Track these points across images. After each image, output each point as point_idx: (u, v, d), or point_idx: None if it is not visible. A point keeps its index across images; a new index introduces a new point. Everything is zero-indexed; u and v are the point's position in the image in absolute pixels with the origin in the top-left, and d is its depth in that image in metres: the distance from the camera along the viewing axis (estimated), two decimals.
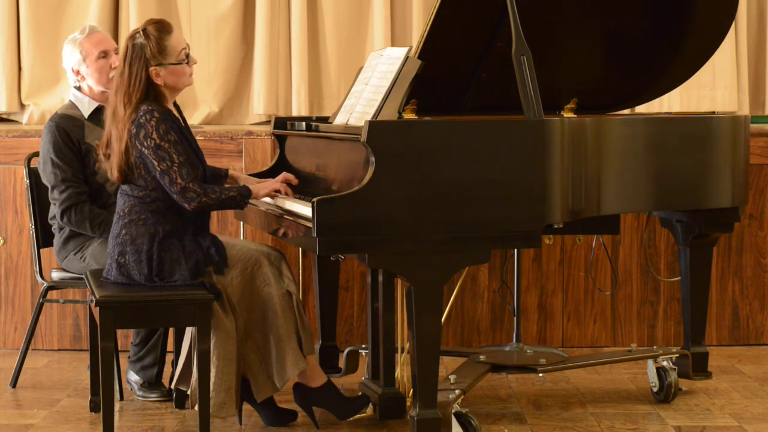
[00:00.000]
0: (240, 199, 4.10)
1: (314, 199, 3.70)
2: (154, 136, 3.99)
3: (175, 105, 4.21)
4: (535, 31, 4.18)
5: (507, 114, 4.40)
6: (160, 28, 4.09)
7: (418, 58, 4.11)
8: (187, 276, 4.04)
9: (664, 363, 4.62)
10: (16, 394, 4.81)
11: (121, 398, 4.67)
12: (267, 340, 4.15)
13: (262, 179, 4.38)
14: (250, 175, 4.58)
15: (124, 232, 4.09)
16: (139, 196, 4.08)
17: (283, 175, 4.26)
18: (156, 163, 4.00)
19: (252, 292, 4.15)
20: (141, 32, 4.08)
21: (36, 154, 4.83)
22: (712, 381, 4.92)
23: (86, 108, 4.70)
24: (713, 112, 5.11)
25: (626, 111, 5.27)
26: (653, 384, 4.65)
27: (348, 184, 3.97)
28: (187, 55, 4.13)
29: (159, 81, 4.06)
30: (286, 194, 4.19)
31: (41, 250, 4.87)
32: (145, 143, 4.00)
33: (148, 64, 4.04)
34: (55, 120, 4.68)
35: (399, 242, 3.74)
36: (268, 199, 4.29)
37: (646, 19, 4.70)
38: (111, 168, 4.10)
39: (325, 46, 6.19)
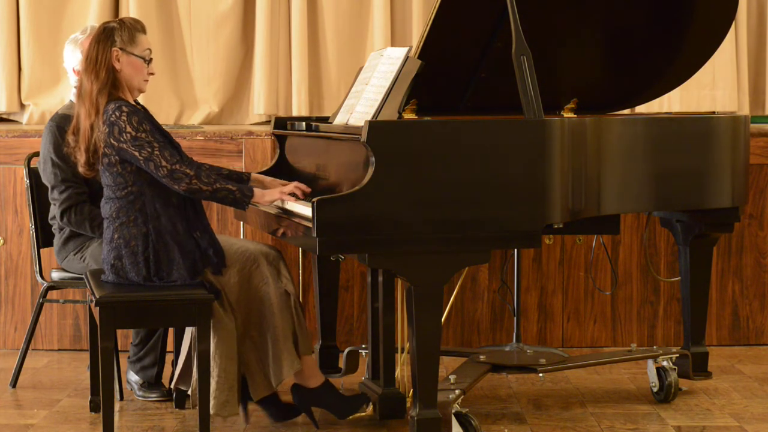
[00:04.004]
0: (240, 196, 4.05)
1: (314, 199, 3.70)
2: (129, 129, 4.00)
3: (140, 105, 4.22)
4: (535, 31, 4.18)
5: (507, 114, 4.40)
6: (136, 21, 4.19)
7: (418, 58, 4.11)
8: (185, 275, 4.04)
9: (664, 363, 4.62)
10: (16, 394, 4.81)
11: (121, 398, 4.67)
12: (264, 339, 4.15)
13: (275, 180, 4.34)
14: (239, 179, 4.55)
15: (116, 236, 4.08)
16: (122, 197, 4.07)
17: (296, 184, 4.16)
18: (137, 154, 3.99)
19: (249, 291, 4.14)
20: (116, 20, 4.17)
21: (36, 154, 4.83)
22: (712, 381, 4.92)
23: None
24: (713, 112, 5.11)
25: (626, 111, 5.27)
26: (653, 384, 4.65)
27: (348, 184, 3.97)
28: (150, 59, 4.16)
29: (117, 65, 4.08)
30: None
31: (41, 250, 4.87)
32: (121, 138, 4.00)
33: (113, 44, 4.08)
34: (56, 120, 4.69)
35: (399, 242, 3.74)
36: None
37: (646, 19, 4.70)
38: (80, 150, 4.10)
39: (325, 46, 6.19)
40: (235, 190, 4.04)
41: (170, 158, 4.00)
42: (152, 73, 4.19)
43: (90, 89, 4.07)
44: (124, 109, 4.02)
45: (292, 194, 4.10)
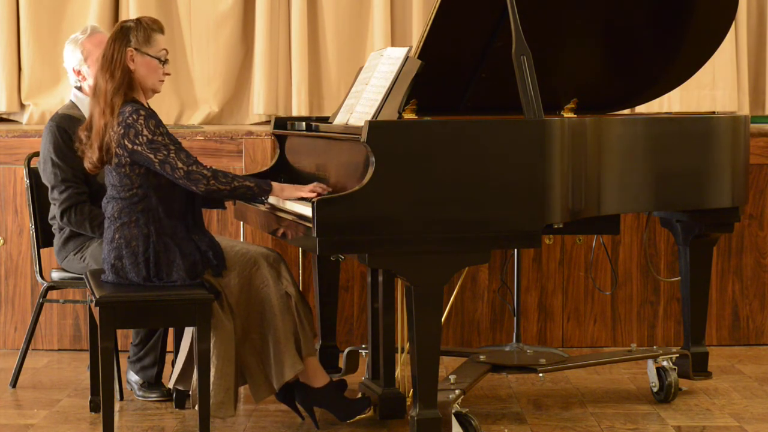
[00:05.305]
0: (258, 191, 4.06)
1: (314, 199, 3.70)
2: (145, 132, 4.00)
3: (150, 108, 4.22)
4: (535, 31, 4.18)
5: (507, 114, 4.40)
6: (153, 21, 4.17)
7: (418, 58, 4.11)
8: (185, 277, 4.04)
9: (664, 363, 4.62)
10: (16, 394, 4.81)
11: (121, 398, 4.67)
12: (265, 341, 4.14)
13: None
14: (253, 175, 4.56)
15: (117, 236, 4.08)
16: (126, 197, 4.08)
17: (315, 185, 4.11)
18: (152, 156, 3.99)
19: (250, 293, 4.14)
20: (134, 20, 4.15)
21: (36, 154, 4.83)
22: (712, 381, 4.92)
23: (87, 108, 4.69)
24: (713, 112, 5.11)
25: (626, 111, 5.27)
26: (653, 384, 4.65)
27: (348, 184, 3.97)
28: (166, 60, 4.15)
29: (132, 66, 4.08)
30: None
31: (41, 250, 4.87)
32: (137, 141, 4.00)
33: (128, 44, 4.07)
34: (56, 120, 4.69)
35: (399, 242, 3.74)
36: (272, 200, 4.27)
37: (646, 19, 4.70)
38: (91, 149, 4.10)
39: (325, 46, 6.19)
40: (253, 185, 4.06)
41: (186, 160, 4.01)
42: (168, 74, 4.19)
43: (105, 88, 4.07)
44: (141, 112, 4.02)
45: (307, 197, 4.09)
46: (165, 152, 4.00)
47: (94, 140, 4.08)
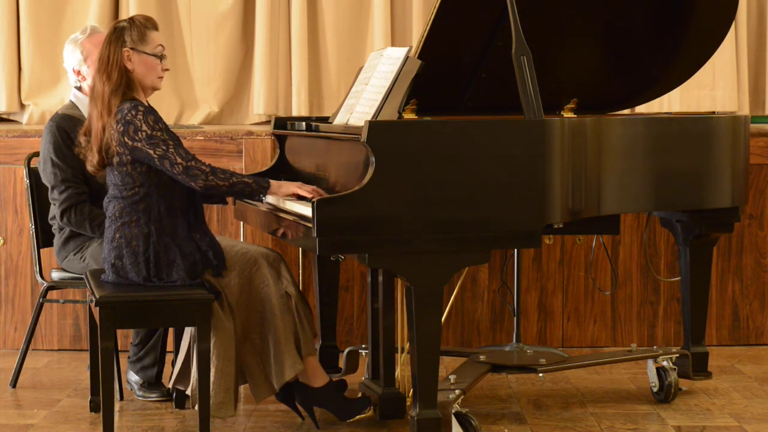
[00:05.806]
0: (256, 188, 4.07)
1: (314, 199, 3.70)
2: (144, 128, 4.00)
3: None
4: (535, 31, 4.18)
5: (507, 114, 4.40)
6: (147, 19, 4.17)
7: (418, 58, 4.11)
8: (184, 277, 4.04)
9: (664, 363, 4.62)
10: (16, 394, 4.81)
11: (121, 398, 4.67)
12: (265, 341, 4.14)
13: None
14: (252, 174, 4.56)
15: (118, 235, 4.08)
16: (128, 196, 4.08)
17: (314, 188, 4.13)
18: (152, 152, 4.00)
19: (250, 293, 4.14)
20: (126, 19, 4.16)
21: (36, 154, 4.84)
22: (712, 381, 4.92)
23: (87, 108, 4.70)
24: (713, 112, 5.11)
25: (626, 111, 5.27)
26: (653, 384, 4.66)
27: (348, 184, 3.97)
28: (163, 55, 4.15)
29: (129, 65, 4.09)
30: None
31: (41, 250, 4.87)
32: (136, 137, 4.00)
33: (124, 44, 4.08)
34: (56, 120, 4.69)
35: (399, 242, 3.74)
36: (271, 199, 4.27)
37: (646, 19, 4.70)
38: (92, 152, 4.10)
39: (325, 46, 6.19)
40: (251, 182, 4.06)
41: (185, 155, 4.01)
42: (167, 69, 4.19)
43: (102, 90, 4.07)
44: (140, 108, 4.03)
45: (302, 194, 4.09)
46: (164, 147, 4.00)
47: (93, 143, 4.09)
